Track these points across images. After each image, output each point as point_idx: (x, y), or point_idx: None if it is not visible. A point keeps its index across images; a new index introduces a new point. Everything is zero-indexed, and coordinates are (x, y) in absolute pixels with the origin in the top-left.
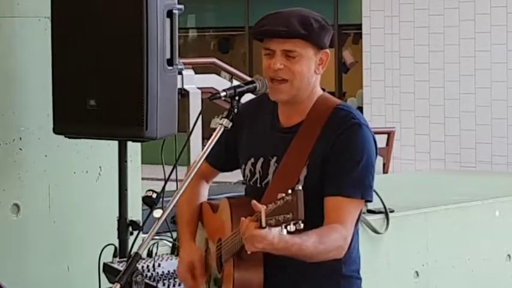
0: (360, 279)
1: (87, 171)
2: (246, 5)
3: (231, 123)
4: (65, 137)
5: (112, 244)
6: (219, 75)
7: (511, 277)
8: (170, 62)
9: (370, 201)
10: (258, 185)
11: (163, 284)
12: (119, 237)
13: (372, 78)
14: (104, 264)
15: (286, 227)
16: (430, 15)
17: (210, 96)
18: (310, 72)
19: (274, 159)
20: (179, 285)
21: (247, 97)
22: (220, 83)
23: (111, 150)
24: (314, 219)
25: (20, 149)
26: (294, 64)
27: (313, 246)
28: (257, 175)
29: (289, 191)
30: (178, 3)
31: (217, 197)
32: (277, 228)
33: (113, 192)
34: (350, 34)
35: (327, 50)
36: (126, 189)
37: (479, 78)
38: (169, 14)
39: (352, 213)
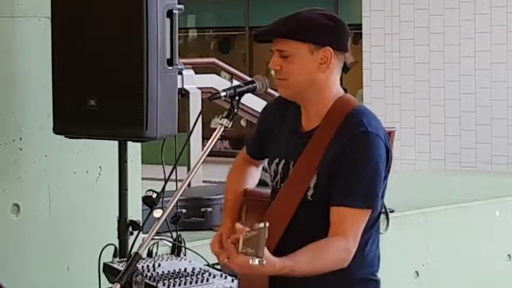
0: (377, 280)
1: (87, 171)
2: (246, 5)
3: (231, 123)
4: (65, 137)
5: (112, 244)
6: (219, 75)
7: (511, 277)
8: (170, 62)
9: (375, 211)
10: (279, 187)
11: (163, 284)
12: (119, 237)
13: (372, 78)
14: (104, 264)
15: (253, 260)
16: (430, 15)
17: (210, 96)
18: (308, 72)
19: (292, 163)
20: (179, 285)
21: (247, 97)
22: (220, 83)
23: (111, 150)
24: (323, 228)
25: (20, 149)
26: (288, 63)
27: (307, 264)
28: (278, 176)
29: (255, 226)
30: (178, 3)
31: (217, 197)
32: (248, 258)
33: (113, 192)
34: (350, 34)
35: (329, 48)
36: (126, 189)
37: (479, 78)
38: (169, 14)
39: (355, 224)
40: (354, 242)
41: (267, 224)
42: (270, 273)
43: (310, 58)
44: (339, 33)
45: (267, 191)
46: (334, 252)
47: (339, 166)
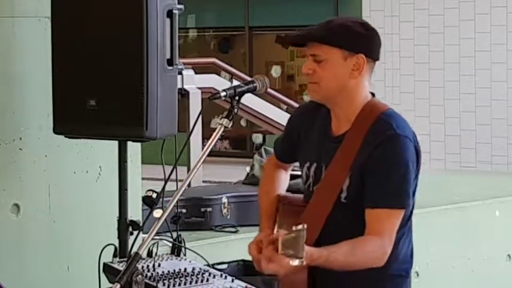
0: (408, 277)
1: (87, 171)
2: (246, 5)
3: (230, 123)
4: (65, 137)
5: (112, 244)
6: (219, 75)
7: (511, 277)
8: (170, 62)
9: (408, 209)
10: (311, 189)
11: (163, 284)
12: (119, 237)
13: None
14: (104, 264)
15: (293, 260)
16: (430, 15)
17: (210, 96)
18: (340, 77)
19: (324, 166)
20: (179, 285)
21: (247, 97)
22: (220, 83)
23: (111, 150)
24: (358, 228)
25: (20, 149)
26: (321, 68)
27: (343, 257)
28: (310, 179)
29: (294, 228)
30: (178, 3)
31: (217, 197)
32: (288, 259)
33: (113, 192)
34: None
35: (362, 55)
36: (126, 189)
37: (479, 78)
38: (169, 14)
39: (390, 223)
40: (389, 241)
41: (305, 226)
42: (312, 263)
43: (343, 64)
44: (372, 42)
45: (299, 195)
46: (369, 250)
47: (370, 168)
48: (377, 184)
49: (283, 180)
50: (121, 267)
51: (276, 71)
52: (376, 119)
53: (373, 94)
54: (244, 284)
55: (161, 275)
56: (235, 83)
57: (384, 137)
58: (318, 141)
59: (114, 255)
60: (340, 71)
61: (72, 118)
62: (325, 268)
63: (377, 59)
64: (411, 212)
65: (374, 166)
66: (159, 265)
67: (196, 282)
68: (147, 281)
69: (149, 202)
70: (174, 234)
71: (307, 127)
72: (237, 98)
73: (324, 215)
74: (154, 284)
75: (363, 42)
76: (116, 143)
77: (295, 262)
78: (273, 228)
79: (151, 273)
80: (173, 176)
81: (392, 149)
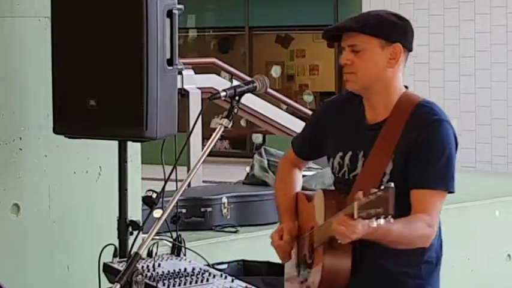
0: (440, 265)
1: (87, 171)
2: (246, 5)
3: (230, 123)
4: (65, 137)
5: (112, 244)
6: (219, 75)
7: (511, 277)
8: (170, 62)
9: (453, 192)
10: (346, 177)
11: (163, 284)
12: (118, 237)
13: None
14: (104, 264)
15: (376, 220)
16: (430, 15)
17: (210, 96)
18: (378, 66)
19: (362, 153)
20: (179, 285)
21: (247, 97)
22: (220, 83)
23: (111, 150)
24: (399, 210)
25: (20, 149)
26: (358, 58)
27: (399, 231)
28: (345, 168)
29: (382, 187)
30: (178, 3)
31: (217, 197)
32: (367, 221)
33: (113, 192)
34: None
35: (399, 45)
36: (126, 189)
37: (479, 78)
38: (169, 14)
39: (436, 204)
40: (435, 221)
41: (392, 184)
42: (369, 234)
43: (380, 53)
44: (407, 32)
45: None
46: (420, 226)
47: (416, 152)
48: (423, 166)
49: (299, 179)
50: (121, 267)
51: (276, 71)
52: (417, 106)
53: (406, 87)
54: (244, 284)
55: (161, 275)
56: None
57: (429, 122)
58: (351, 131)
59: (114, 255)
60: (378, 60)
61: (72, 118)
62: (366, 254)
63: (411, 49)
64: None
65: (420, 149)
66: (159, 265)
67: (196, 282)
68: (147, 281)
69: (149, 202)
70: (174, 234)
71: (335, 120)
72: (237, 98)
73: None
74: (154, 284)
75: (399, 31)
76: (116, 143)
77: (381, 221)
78: (295, 221)
79: (151, 273)
80: (173, 176)
81: (437, 133)
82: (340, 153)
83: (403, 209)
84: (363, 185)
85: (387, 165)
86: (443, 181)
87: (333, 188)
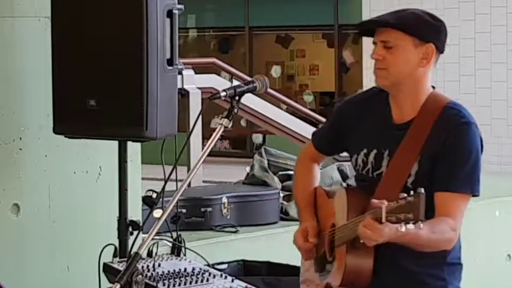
0: (461, 264)
1: (87, 171)
2: (246, 5)
3: (230, 123)
4: (65, 137)
5: (112, 244)
6: (219, 75)
7: (511, 277)
8: (170, 62)
9: (478, 195)
10: (370, 175)
11: (163, 284)
12: (118, 237)
13: (372, 78)
14: (104, 264)
15: (406, 225)
16: None
17: (210, 96)
18: (409, 64)
19: (387, 152)
20: (179, 285)
21: (247, 97)
22: (220, 83)
23: (111, 150)
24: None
25: (20, 149)
26: (390, 54)
27: (426, 235)
28: (369, 165)
29: (412, 192)
30: (178, 3)
31: (217, 197)
32: (396, 225)
33: (113, 192)
34: (350, 34)
35: (431, 45)
36: (126, 189)
37: (479, 78)
38: (169, 14)
39: (460, 207)
40: (459, 224)
41: (422, 190)
42: (399, 238)
43: (413, 51)
44: (441, 34)
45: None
46: (446, 230)
47: (443, 154)
48: (450, 169)
49: (318, 174)
50: (121, 267)
51: (276, 71)
52: (445, 107)
53: (433, 87)
54: (244, 284)
55: (161, 275)
56: (235, 83)
57: (457, 125)
58: (376, 129)
59: (114, 255)
60: (410, 58)
61: (72, 118)
62: (389, 255)
63: (442, 51)
64: None
65: (447, 152)
66: (159, 265)
67: (196, 282)
68: (147, 281)
69: (149, 202)
70: (174, 234)
71: (359, 117)
72: (237, 98)
73: (393, 199)
74: (154, 284)
75: (433, 32)
76: (116, 143)
77: (410, 226)
78: (315, 217)
79: (151, 273)
80: (173, 176)
81: (465, 136)
82: (365, 150)
83: (428, 212)
84: (388, 185)
85: (413, 166)
86: (469, 184)
87: (335, 187)
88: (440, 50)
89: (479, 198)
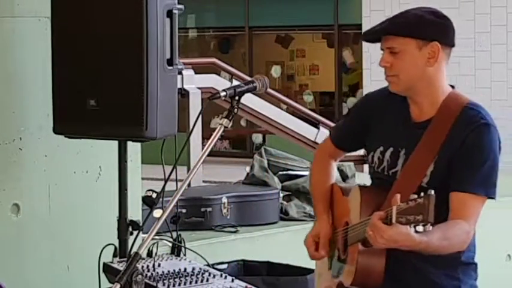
0: (476, 264)
1: (87, 171)
2: (246, 5)
3: (230, 123)
4: (65, 137)
5: (112, 244)
6: (219, 75)
7: (511, 277)
8: (170, 62)
9: (494, 198)
10: (385, 173)
11: (163, 284)
12: (118, 237)
13: (372, 78)
14: (104, 264)
15: (415, 227)
16: None
17: (210, 96)
18: (417, 66)
19: (403, 151)
20: (179, 285)
21: (247, 97)
22: (220, 83)
23: (111, 150)
24: (438, 212)
25: (20, 149)
26: (397, 60)
27: (438, 242)
28: (385, 163)
29: (422, 194)
30: (178, 3)
31: (217, 197)
32: (406, 226)
33: (113, 192)
34: (350, 34)
35: (436, 43)
36: (126, 189)
37: (479, 78)
38: (169, 14)
39: (476, 209)
40: (473, 226)
41: (432, 192)
42: (410, 247)
43: (418, 53)
44: (445, 29)
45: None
46: (459, 233)
47: (460, 155)
48: (467, 170)
49: (335, 170)
50: (121, 267)
51: (276, 71)
52: (464, 108)
53: (452, 86)
54: (244, 284)
55: (161, 275)
56: (235, 83)
57: (477, 125)
58: (394, 127)
59: (114, 255)
60: (417, 61)
61: (72, 118)
62: (402, 255)
63: (452, 45)
64: None
65: (465, 153)
66: (159, 265)
67: (196, 282)
68: (147, 281)
69: (149, 202)
70: (174, 234)
71: (378, 113)
72: (237, 98)
73: (408, 199)
74: (154, 284)
75: (436, 30)
76: (116, 143)
77: (419, 228)
78: (329, 212)
79: (151, 273)
80: (173, 176)
81: (484, 138)
82: (381, 148)
83: (440, 211)
84: (403, 185)
85: (429, 167)
86: (485, 186)
87: (350, 184)
88: (449, 45)
89: None
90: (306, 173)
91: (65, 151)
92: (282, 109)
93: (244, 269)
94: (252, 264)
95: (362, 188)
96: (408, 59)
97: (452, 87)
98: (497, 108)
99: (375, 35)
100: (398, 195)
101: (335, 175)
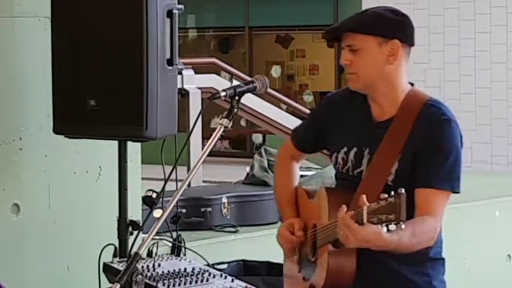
0: (443, 259)
1: (87, 171)
2: (246, 5)
3: (230, 123)
4: (65, 137)
5: (112, 244)
6: (219, 75)
7: (511, 277)
8: (170, 62)
9: (458, 192)
10: (351, 173)
11: (163, 284)
12: (118, 237)
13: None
14: (104, 264)
15: (387, 226)
16: (430, 15)
17: (210, 96)
18: (377, 64)
19: (367, 150)
20: (179, 285)
21: (247, 97)
22: (220, 83)
23: (111, 150)
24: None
25: (20, 149)
26: (357, 57)
27: (408, 241)
28: (349, 164)
29: (392, 193)
30: (178, 3)
31: (217, 197)
32: (377, 226)
33: (113, 192)
34: None
35: (396, 41)
36: (126, 189)
37: (479, 78)
38: (169, 14)
39: (441, 204)
40: (440, 222)
41: (403, 190)
42: (382, 247)
43: (378, 51)
44: (405, 27)
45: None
46: (427, 230)
47: (423, 152)
48: (430, 166)
49: (298, 173)
50: (121, 267)
51: (276, 71)
52: (425, 105)
53: (411, 84)
54: (244, 284)
55: (161, 275)
56: (235, 83)
57: (438, 121)
58: (356, 127)
59: (114, 255)
60: (376, 58)
61: (72, 118)
62: (372, 253)
63: (412, 44)
64: None
65: (428, 149)
66: (159, 265)
67: (196, 282)
68: (147, 281)
69: (149, 202)
70: (174, 234)
71: (340, 114)
72: (237, 98)
73: (375, 198)
74: (154, 284)
75: (396, 27)
76: (116, 143)
77: (392, 227)
78: (296, 213)
79: (151, 273)
80: (173, 176)
81: (445, 133)
82: (345, 149)
83: (408, 208)
84: (369, 184)
85: (393, 165)
86: (449, 181)
87: (315, 187)
88: (408, 43)
89: (479, 198)
90: (306, 172)
91: (65, 151)
92: (282, 109)
93: (244, 269)
94: (252, 264)
95: (328, 189)
96: (368, 56)
97: (412, 84)
98: (497, 108)
99: (335, 33)
100: (364, 196)
101: (298, 177)
